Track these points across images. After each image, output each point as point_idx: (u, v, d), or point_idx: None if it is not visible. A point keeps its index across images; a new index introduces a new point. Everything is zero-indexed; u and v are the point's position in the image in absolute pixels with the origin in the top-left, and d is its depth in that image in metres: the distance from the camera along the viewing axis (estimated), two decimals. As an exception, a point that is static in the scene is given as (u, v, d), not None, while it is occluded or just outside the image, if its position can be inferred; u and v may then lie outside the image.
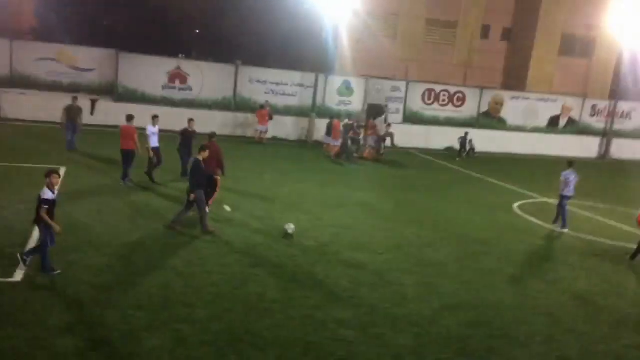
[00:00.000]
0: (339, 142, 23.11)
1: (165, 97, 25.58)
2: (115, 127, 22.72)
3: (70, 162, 16.16)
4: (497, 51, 35.89)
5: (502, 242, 12.94)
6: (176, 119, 20.24)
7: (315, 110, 26.88)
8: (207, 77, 26.30)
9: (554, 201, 17.56)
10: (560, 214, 14.39)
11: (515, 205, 17.01)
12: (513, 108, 31.21)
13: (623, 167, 28.97)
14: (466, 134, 27.21)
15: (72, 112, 18.52)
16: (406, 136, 27.59)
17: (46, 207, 8.26)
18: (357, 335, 7.60)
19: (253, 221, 12.53)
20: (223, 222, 12.14)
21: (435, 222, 14.17)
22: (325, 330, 7.67)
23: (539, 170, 24.66)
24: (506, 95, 31.49)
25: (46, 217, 8.24)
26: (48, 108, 22.67)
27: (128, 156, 14.71)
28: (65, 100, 22.32)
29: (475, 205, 16.62)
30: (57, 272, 8.47)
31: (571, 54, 35.69)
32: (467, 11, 34.58)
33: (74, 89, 24.50)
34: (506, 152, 29.14)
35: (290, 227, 11.64)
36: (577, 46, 35.85)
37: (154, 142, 15.20)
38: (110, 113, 23.22)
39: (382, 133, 24.59)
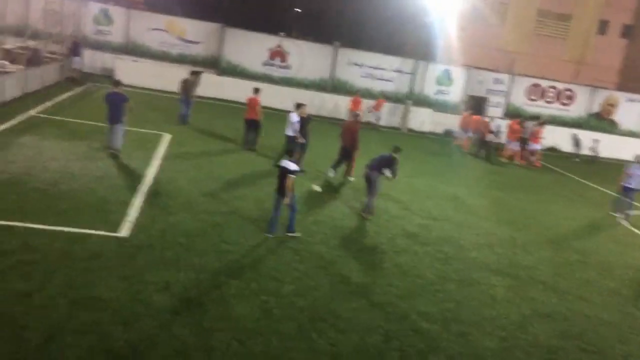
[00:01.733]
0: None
1: (265, 74, 26.20)
2: (218, 99, 23.83)
3: (176, 130, 16.96)
4: (614, 48, 33.44)
5: (602, 252, 12.18)
6: (274, 96, 20.72)
7: (412, 97, 26.45)
8: (306, 57, 26.62)
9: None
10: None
11: (619, 214, 15.88)
12: (628, 111, 29.03)
13: None
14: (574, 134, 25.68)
15: (188, 86, 18.53)
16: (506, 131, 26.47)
17: (293, 177, 9.61)
18: (439, 331, 7.48)
19: (341, 204, 12.59)
20: (311, 200, 12.30)
21: (529, 224, 13.57)
22: (407, 321, 7.61)
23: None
24: (622, 96, 29.32)
25: (292, 186, 9.64)
26: (157, 76, 23.99)
27: (250, 125, 16.01)
28: (173, 70, 23.54)
29: (574, 211, 15.73)
30: (298, 234, 9.98)
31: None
32: (584, 3, 32.38)
33: (181, 59, 25.73)
34: (615, 158, 27.23)
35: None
36: None
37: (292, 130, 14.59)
38: (212, 86, 24.12)
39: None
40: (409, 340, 7.11)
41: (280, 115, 18.66)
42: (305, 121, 14.92)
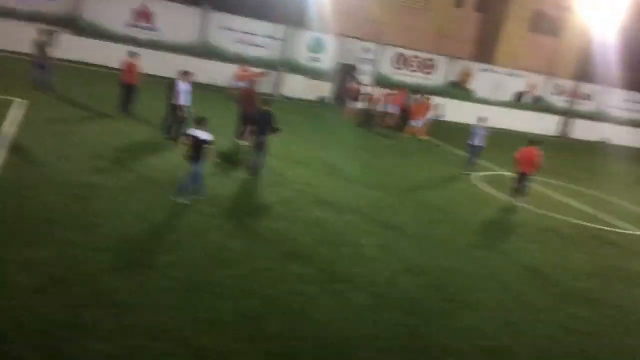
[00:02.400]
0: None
1: (129, 36, 24.59)
2: (78, 62, 22.00)
3: (31, 96, 15.43)
4: (470, 22, 35.86)
5: (460, 211, 13.28)
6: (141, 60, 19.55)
7: (284, 64, 26.45)
8: (173, 19, 25.38)
9: (511, 173, 18.09)
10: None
11: (474, 176, 17.40)
12: (481, 80, 31.58)
13: (580, 147, 29.96)
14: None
15: (40, 47, 17.00)
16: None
17: (212, 147, 9.88)
18: (315, 290, 7.72)
19: (216, 171, 12.38)
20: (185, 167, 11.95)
21: (396, 186, 14.37)
22: (284, 283, 7.76)
23: (500, 143, 25.15)
24: (476, 66, 31.76)
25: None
26: (2, 35, 21.56)
27: (127, 89, 15.99)
28: (23, 28, 21.33)
29: (435, 173, 16.94)
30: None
31: (540, 32, 36.06)
32: (443, -22, 34.26)
33: (32, 17, 23.22)
34: (467, 123, 29.50)
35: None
36: (547, 24, 36.20)
37: (184, 99, 14.23)
38: (71, 48, 22.18)
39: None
40: (287, 301, 7.27)
41: (149, 81, 17.71)
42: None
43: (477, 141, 17.80)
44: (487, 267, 9.95)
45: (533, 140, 15.18)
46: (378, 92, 25.15)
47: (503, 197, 15.21)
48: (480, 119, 18.15)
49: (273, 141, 13.01)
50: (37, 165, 10.30)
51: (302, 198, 11.71)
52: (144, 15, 25.01)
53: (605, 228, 14.13)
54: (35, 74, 16.73)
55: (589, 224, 14.18)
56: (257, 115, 13.04)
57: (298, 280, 7.92)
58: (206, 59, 25.58)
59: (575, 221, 14.19)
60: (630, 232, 14.31)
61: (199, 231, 8.90)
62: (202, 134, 9.84)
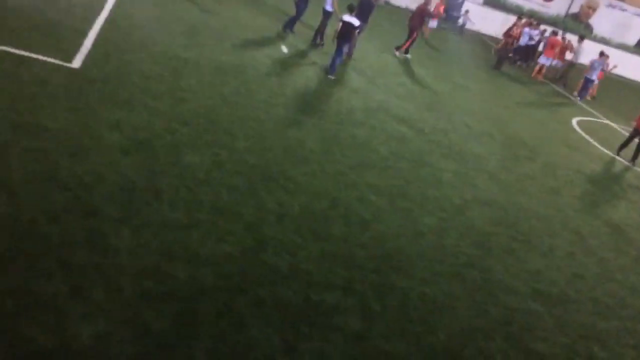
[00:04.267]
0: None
1: None
2: None
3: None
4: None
5: (551, 153, 12.58)
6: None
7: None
8: None
9: (616, 125, 16.80)
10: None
11: (574, 120, 16.28)
12: (605, 17, 28.65)
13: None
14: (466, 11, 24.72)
15: None
16: (484, 21, 25.82)
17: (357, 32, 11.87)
18: (384, 204, 7.70)
19: (307, 68, 12.26)
20: (277, 62, 11.92)
21: (487, 116, 13.72)
22: (355, 190, 7.77)
23: (611, 92, 23.23)
24: (603, 0, 28.73)
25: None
26: None
27: None
28: None
29: (533, 110, 15.97)
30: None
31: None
32: None
33: None
34: (582, 63, 27.24)
35: (284, 49, 12.73)
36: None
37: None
38: None
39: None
40: (354, 208, 7.30)
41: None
42: None
43: (594, 75, 18.42)
44: (566, 215, 9.49)
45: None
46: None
47: (601, 147, 14.21)
48: (602, 53, 18.78)
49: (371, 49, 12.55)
50: (139, 30, 10.54)
51: (388, 111, 11.43)
52: None
53: None
54: None
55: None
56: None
57: (370, 190, 7.90)
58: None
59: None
60: None
61: (282, 124, 8.97)
62: (353, 20, 11.71)
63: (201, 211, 6.07)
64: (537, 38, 21.00)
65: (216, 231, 5.85)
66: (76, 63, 8.34)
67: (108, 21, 10.43)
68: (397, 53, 16.09)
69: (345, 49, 12.34)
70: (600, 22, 28.76)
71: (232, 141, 7.84)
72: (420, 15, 16.33)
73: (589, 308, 6.97)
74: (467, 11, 24.55)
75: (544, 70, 20.45)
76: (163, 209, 5.86)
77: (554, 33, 21.06)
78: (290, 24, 14.33)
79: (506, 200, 9.23)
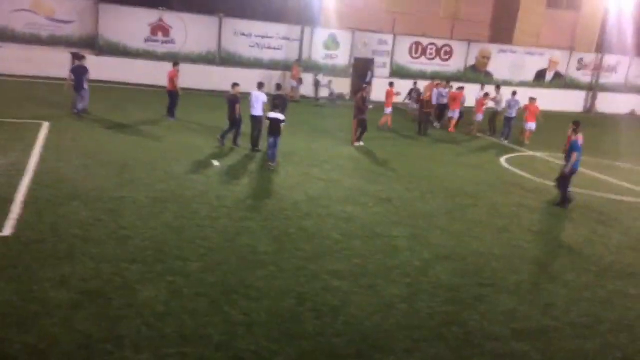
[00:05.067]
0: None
1: (148, 51, 24.96)
2: (98, 82, 22.39)
3: (53, 117, 15.79)
4: (484, 3, 35.32)
5: (491, 194, 13.08)
6: (160, 73, 19.90)
7: (301, 64, 26.46)
8: (190, 30, 25.63)
9: (541, 155, 17.77)
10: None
11: (503, 158, 17.13)
12: (500, 62, 31.07)
13: (608, 121, 29.21)
14: (415, 83, 24.02)
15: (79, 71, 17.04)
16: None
17: (284, 124, 13.36)
18: (350, 286, 7.70)
19: (243, 175, 12.48)
20: (213, 176, 12.08)
21: (425, 176, 14.24)
22: (318, 281, 7.75)
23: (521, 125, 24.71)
24: (493, 48, 31.26)
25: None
26: (27, 61, 22.17)
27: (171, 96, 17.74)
28: (45, 53, 21.86)
29: (465, 159, 16.71)
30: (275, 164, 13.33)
31: (558, 7, 35.28)
32: (455, -38, 33.82)
33: (53, 41, 23.78)
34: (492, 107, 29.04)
35: (216, 163, 13.17)
36: (565, -2, 35.46)
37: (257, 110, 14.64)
38: (91, 67, 22.57)
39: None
40: (321, 299, 7.26)
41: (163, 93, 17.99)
42: (236, 100, 14.92)
43: (513, 113, 20.22)
44: (522, 249, 9.77)
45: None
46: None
47: (533, 177, 14.93)
48: (514, 93, 20.91)
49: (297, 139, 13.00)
50: (69, 182, 10.50)
51: (330, 195, 11.68)
52: (161, 30, 25.31)
53: (642, 200, 13.75)
54: (75, 99, 16.85)
55: (624, 198, 13.82)
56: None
57: (332, 277, 7.90)
58: (223, 66, 25.79)
59: (610, 196, 13.84)
60: (669, 202, 13.89)
61: (230, 235, 8.96)
62: (279, 115, 13.23)
63: (168, 345, 5.86)
64: (447, 95, 22.20)
65: (188, 361, 5.64)
66: (7, 231, 8.15)
67: (34, 181, 10.35)
68: (356, 144, 16.77)
69: (278, 141, 13.36)
70: (497, 67, 31.09)
71: (184, 265, 7.74)
72: (358, 107, 16.94)
73: (569, 333, 7.06)
74: (330, 81, 26.61)
75: (454, 122, 21.60)
76: (127, 356, 5.62)
77: (460, 89, 22.37)
78: (228, 136, 15.04)
79: (463, 250, 9.43)
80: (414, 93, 22.71)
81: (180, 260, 7.87)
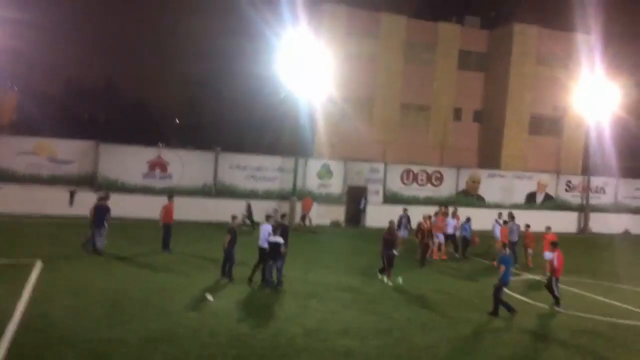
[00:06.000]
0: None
1: (145, 186, 25.54)
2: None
3: (47, 255, 15.71)
4: (470, 132, 37.11)
5: (494, 322, 12.71)
6: (158, 207, 20.18)
7: (295, 194, 27.03)
8: (187, 165, 26.49)
9: (540, 277, 17.57)
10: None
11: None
12: (490, 186, 31.86)
13: (602, 241, 29.30)
14: (405, 209, 23.13)
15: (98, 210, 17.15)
16: (387, 217, 27.63)
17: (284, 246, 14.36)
18: None
19: (237, 309, 12.17)
20: (206, 312, 11.76)
21: (424, 303, 13.91)
22: None
23: (520, 246, 24.72)
24: (482, 173, 32.20)
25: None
26: (26, 200, 22.59)
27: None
28: (45, 192, 22.32)
29: (466, 282, 16.44)
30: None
31: (541, 133, 36.98)
32: (439, 95, 36.02)
33: (52, 180, 24.39)
34: (486, 230, 29.17)
35: (210, 297, 12.88)
36: (546, 125, 37.24)
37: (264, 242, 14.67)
38: (89, 203, 22.94)
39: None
40: None
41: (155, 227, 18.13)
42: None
43: (515, 237, 20.18)
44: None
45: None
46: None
47: (532, 301, 14.62)
48: (468, 218, 21.46)
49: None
50: (57, 325, 10.16)
51: (327, 327, 11.30)
52: (159, 165, 26.14)
53: (649, 323, 13.37)
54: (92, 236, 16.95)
55: (627, 321, 13.45)
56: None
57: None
58: (220, 198, 26.29)
59: (612, 320, 13.47)
60: (677, 324, 13.49)
61: (222, 377, 8.51)
62: (278, 239, 14.15)
63: None
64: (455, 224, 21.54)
65: None
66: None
67: (21, 325, 10.01)
68: (386, 280, 15.89)
69: (279, 265, 14.18)
70: (488, 191, 31.82)
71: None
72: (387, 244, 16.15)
73: None
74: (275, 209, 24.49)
75: (443, 248, 21.13)
76: None
77: (445, 214, 21.97)
78: (228, 270, 14.81)
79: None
80: (403, 220, 22.02)
81: (170, 407, 7.39)
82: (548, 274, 14.96)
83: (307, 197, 27.29)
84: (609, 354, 10.98)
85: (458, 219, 22.13)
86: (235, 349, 9.76)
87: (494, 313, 13.06)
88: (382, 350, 10.28)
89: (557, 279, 14.19)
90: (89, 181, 24.97)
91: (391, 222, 16.96)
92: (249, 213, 24.42)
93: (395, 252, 16.08)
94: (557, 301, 14.12)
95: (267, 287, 14.08)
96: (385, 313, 12.77)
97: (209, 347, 9.69)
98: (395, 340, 10.93)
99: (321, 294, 14.06)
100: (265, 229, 14.71)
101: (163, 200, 20.57)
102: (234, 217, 15.54)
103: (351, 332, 11.16)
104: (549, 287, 14.30)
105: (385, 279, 15.91)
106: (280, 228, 14.76)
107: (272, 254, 14.16)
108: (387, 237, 16.13)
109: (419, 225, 19.88)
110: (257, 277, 14.46)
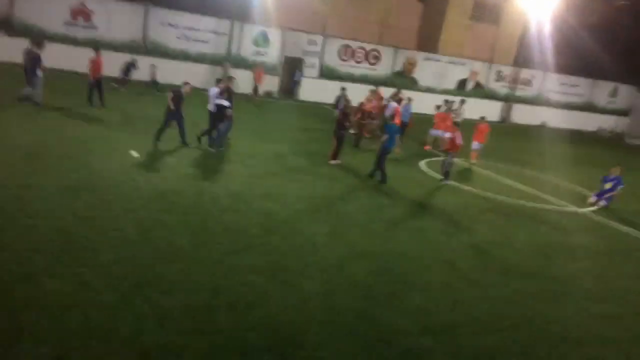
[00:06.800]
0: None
1: (67, 35, 23.77)
2: (9, 63, 21.06)
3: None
4: (412, 12, 36.38)
5: (408, 195, 13.49)
6: (80, 59, 19.02)
7: (230, 59, 26.16)
8: (114, 17, 24.67)
9: (457, 160, 18.53)
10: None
11: (423, 162, 17.71)
12: (425, 69, 32.15)
13: (521, 131, 30.95)
14: (342, 89, 22.74)
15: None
16: (322, 92, 27.65)
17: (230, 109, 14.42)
18: (266, 281, 7.69)
19: (163, 168, 12.17)
20: (130, 168, 11.69)
21: (344, 176, 14.46)
22: (235, 275, 7.69)
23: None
24: (419, 55, 32.28)
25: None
26: None
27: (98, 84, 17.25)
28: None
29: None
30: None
31: (481, 20, 36.92)
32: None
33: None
34: (417, 112, 29.92)
35: (134, 153, 12.73)
36: (487, 13, 37.11)
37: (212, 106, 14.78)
38: (4, 48, 21.24)
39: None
40: (237, 293, 7.21)
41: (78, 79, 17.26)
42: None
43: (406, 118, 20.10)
44: (432, 249, 10.15)
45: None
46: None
47: (452, 182, 15.55)
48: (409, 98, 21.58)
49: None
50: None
51: (251, 191, 11.62)
52: (82, 14, 24.19)
53: (546, 207, 14.67)
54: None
55: (530, 204, 14.69)
56: None
57: (250, 271, 7.86)
58: (148, 56, 24.98)
59: (517, 201, 14.67)
60: (568, 209, 14.91)
61: (145, 228, 8.71)
62: (225, 102, 14.31)
63: (71, 339, 5.61)
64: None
65: (95, 356, 5.43)
66: None
67: None
68: (332, 162, 15.39)
69: (221, 127, 14.29)
70: (422, 75, 32.18)
71: (95, 256, 7.44)
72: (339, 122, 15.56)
73: (481, 328, 7.41)
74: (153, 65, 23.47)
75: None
76: (27, 348, 5.34)
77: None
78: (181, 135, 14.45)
79: (380, 249, 9.67)
80: (341, 100, 21.19)
81: (90, 252, 7.56)
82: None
83: (259, 68, 26.30)
84: (507, 229, 12.07)
85: (401, 101, 21.44)
86: (158, 203, 9.89)
87: (382, 180, 14.12)
88: (299, 214, 10.77)
89: (452, 155, 15.36)
90: (4, 25, 22.86)
91: (345, 101, 17.22)
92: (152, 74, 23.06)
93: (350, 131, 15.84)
94: (447, 176, 15.36)
95: (214, 147, 14.39)
96: (310, 180, 13.21)
97: (133, 201, 9.77)
98: (315, 205, 11.46)
99: (246, 159, 14.24)
100: (213, 91, 14.63)
101: (86, 51, 19.38)
102: (185, 83, 14.51)
103: (274, 196, 11.54)
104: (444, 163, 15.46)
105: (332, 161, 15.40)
106: (227, 92, 14.83)
107: (217, 116, 14.31)
108: (340, 118, 15.68)
109: (360, 105, 19.48)
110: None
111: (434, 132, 20.29)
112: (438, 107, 21.46)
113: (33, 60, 15.81)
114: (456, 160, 16.24)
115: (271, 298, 7.25)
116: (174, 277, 7.31)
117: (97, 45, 19.08)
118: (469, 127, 19.39)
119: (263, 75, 26.09)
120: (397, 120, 17.75)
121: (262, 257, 8.45)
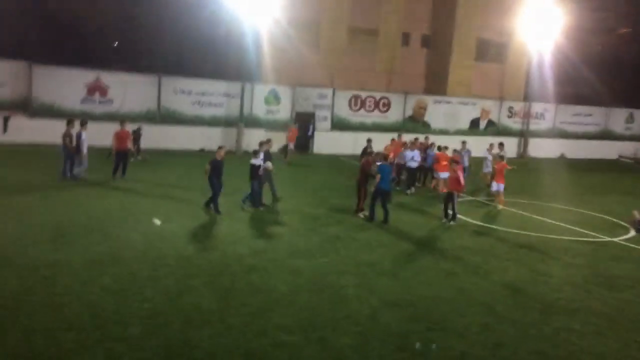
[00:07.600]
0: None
1: (84, 111, 24.47)
2: (31, 145, 21.68)
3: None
4: (417, 57, 37.03)
5: (435, 240, 13.28)
6: (97, 134, 19.47)
7: (243, 120, 26.62)
8: (128, 89, 25.44)
9: (482, 199, 18.29)
10: None
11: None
12: (436, 112, 32.35)
13: (539, 165, 30.65)
14: (368, 140, 20.41)
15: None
16: (335, 143, 27.90)
17: (265, 165, 14.70)
18: (298, 340, 7.49)
19: (185, 233, 12.18)
20: (153, 236, 11.71)
21: (368, 227, 14.33)
22: (266, 336, 7.51)
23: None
24: (429, 99, 32.58)
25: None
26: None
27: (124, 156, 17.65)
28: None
29: (402, 206, 16.97)
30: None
31: (486, 59, 37.36)
32: (387, 19, 35.46)
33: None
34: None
35: (157, 221, 12.69)
36: (491, 51, 37.61)
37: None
38: (24, 130, 21.93)
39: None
40: (271, 355, 7.02)
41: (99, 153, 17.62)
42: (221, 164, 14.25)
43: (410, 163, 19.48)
44: (466, 291, 9.87)
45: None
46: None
47: (473, 221, 15.31)
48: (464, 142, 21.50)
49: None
50: (-4, 251, 9.93)
51: (277, 250, 11.52)
52: (98, 89, 24.98)
53: (576, 238, 14.31)
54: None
55: (560, 237, 14.34)
56: None
57: (280, 331, 7.68)
58: (164, 124, 25.57)
59: (547, 235, 14.33)
60: (601, 239, 14.52)
61: (173, 295, 8.62)
62: (257, 161, 14.46)
63: (106, 417, 5.46)
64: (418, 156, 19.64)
65: None
66: None
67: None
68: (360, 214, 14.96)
69: (255, 186, 14.60)
70: (433, 117, 32.35)
71: (124, 330, 7.34)
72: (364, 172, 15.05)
73: (520, 372, 7.08)
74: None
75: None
76: None
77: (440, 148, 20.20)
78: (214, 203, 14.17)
79: (411, 296, 9.42)
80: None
81: (120, 325, 7.46)
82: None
83: (293, 127, 26.22)
84: (540, 266, 11.73)
85: (421, 147, 20.48)
86: (183, 269, 9.84)
87: (370, 217, 14.41)
88: (329, 267, 10.61)
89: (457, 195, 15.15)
90: (23, 106, 23.68)
91: (369, 153, 16.55)
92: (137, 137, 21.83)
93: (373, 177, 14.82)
94: (454, 216, 14.98)
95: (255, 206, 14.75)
96: (333, 234, 13.09)
97: (158, 269, 9.73)
98: (340, 256, 11.29)
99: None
100: (261, 156, 14.75)
101: (103, 125, 19.95)
102: (220, 147, 14.42)
103: (299, 251, 11.42)
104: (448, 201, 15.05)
105: (362, 214, 14.96)
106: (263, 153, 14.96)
107: (251, 175, 14.53)
108: (364, 167, 15.04)
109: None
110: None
111: (435, 174, 19.88)
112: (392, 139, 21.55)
113: (80, 141, 16.92)
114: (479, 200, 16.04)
115: (305, 358, 7.03)
116: (205, 343, 7.16)
117: (122, 119, 19.43)
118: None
119: (295, 133, 25.98)
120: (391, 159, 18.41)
121: (292, 316, 8.26)
